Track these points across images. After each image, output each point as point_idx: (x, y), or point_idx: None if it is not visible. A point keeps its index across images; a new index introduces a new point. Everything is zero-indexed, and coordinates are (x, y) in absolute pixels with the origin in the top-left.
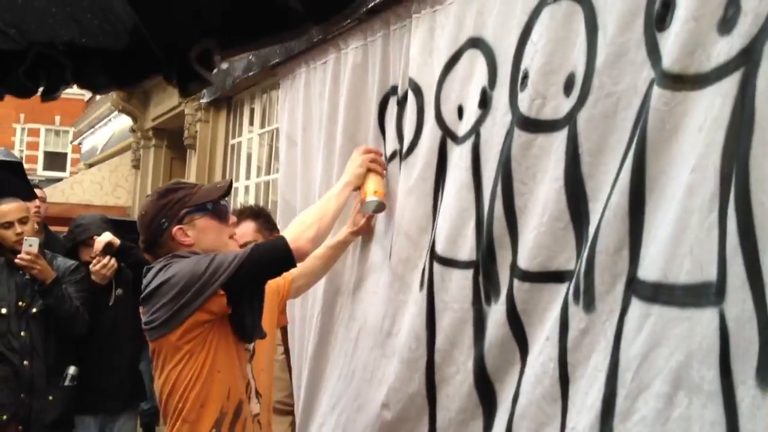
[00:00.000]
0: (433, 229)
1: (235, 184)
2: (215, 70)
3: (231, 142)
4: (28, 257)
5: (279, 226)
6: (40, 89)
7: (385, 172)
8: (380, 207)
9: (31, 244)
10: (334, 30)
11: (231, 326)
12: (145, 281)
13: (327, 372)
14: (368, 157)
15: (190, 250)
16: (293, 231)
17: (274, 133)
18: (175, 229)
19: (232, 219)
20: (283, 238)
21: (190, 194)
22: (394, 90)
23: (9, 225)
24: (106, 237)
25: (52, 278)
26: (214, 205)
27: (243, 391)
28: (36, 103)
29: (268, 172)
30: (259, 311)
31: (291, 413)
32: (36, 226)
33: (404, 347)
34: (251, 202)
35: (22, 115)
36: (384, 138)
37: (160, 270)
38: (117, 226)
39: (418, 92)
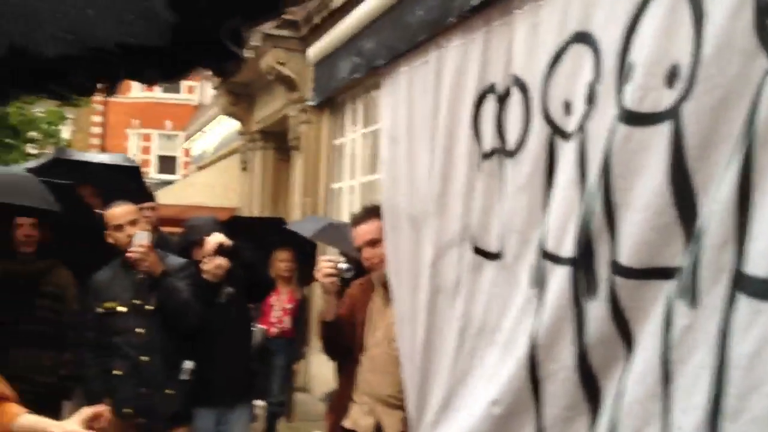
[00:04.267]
0: (543, 226)
1: (338, 185)
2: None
3: (334, 142)
4: (140, 250)
5: (384, 227)
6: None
7: None
8: None
9: (142, 238)
10: (437, 28)
11: None
12: None
13: (435, 370)
14: None
15: None
16: None
17: (376, 133)
18: None
19: None
20: None
21: None
22: (492, 87)
23: (119, 227)
24: (218, 237)
25: (160, 272)
26: None
27: None
28: (148, 109)
29: (370, 172)
30: None
31: (403, 408)
32: (147, 227)
33: (514, 344)
34: (355, 202)
35: (135, 121)
36: (478, 136)
37: None
38: (230, 226)
39: (523, 89)
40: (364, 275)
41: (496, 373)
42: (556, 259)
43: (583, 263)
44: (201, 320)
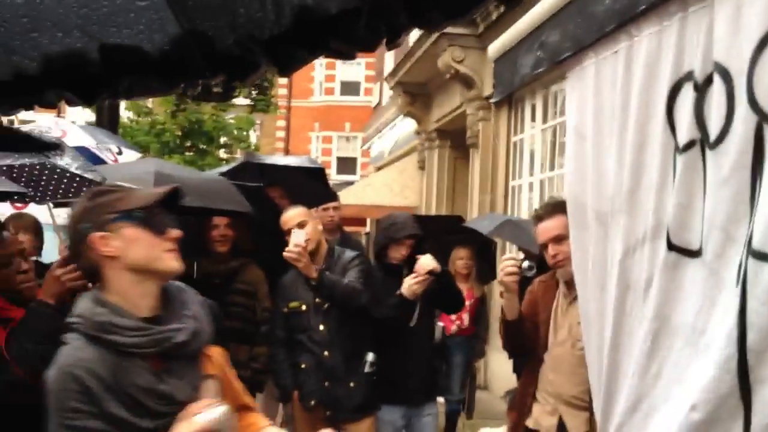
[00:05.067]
0: (750, 222)
1: (517, 182)
2: None
3: (513, 139)
4: (295, 250)
5: (569, 224)
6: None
7: None
8: None
9: (298, 237)
10: (627, 17)
11: None
12: None
13: (622, 371)
14: None
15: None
16: None
17: (556, 129)
18: (95, 236)
19: (173, 233)
20: None
21: (120, 198)
22: (689, 75)
23: (290, 232)
24: (430, 263)
25: (314, 274)
26: (147, 212)
27: None
28: (329, 112)
29: (550, 169)
30: None
31: (587, 409)
32: (319, 227)
33: (715, 346)
34: (535, 199)
35: (316, 124)
36: (673, 128)
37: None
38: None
39: (726, 76)
40: (545, 272)
41: (694, 377)
42: (765, 257)
43: None
44: (370, 300)
